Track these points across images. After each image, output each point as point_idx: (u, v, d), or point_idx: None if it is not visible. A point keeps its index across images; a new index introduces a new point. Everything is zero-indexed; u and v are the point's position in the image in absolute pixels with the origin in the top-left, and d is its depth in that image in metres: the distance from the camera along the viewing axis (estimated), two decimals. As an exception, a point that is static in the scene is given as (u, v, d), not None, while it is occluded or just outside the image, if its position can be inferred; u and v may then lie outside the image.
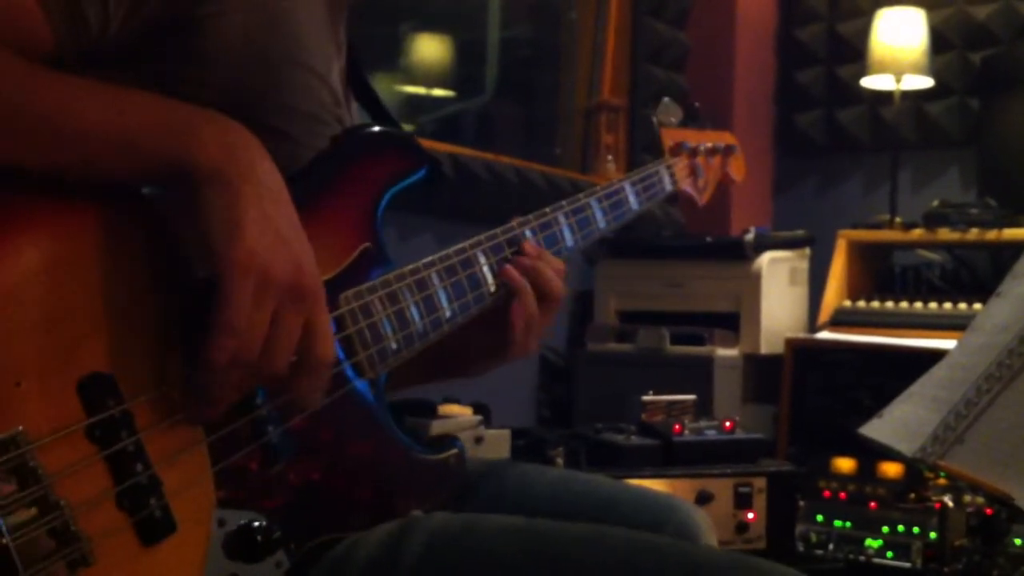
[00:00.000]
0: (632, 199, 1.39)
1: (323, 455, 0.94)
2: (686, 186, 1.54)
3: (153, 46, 0.91)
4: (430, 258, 1.06)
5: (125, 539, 0.79)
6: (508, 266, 1.12)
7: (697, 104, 1.63)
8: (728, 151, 1.65)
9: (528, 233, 1.18)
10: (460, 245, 1.10)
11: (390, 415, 1.01)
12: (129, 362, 0.81)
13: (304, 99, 1.00)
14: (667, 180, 1.49)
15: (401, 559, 0.92)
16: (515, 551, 0.93)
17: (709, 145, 1.61)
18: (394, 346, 1.00)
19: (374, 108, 1.18)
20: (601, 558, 0.92)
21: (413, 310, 1.02)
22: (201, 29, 0.92)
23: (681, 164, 1.53)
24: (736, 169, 1.67)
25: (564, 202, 1.27)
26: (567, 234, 1.24)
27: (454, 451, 1.07)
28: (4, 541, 0.71)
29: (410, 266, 1.04)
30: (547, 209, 1.23)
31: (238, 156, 0.84)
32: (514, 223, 1.17)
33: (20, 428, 0.73)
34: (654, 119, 1.57)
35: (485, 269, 1.11)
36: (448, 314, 1.06)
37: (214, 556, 0.84)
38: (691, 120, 1.60)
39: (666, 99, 1.60)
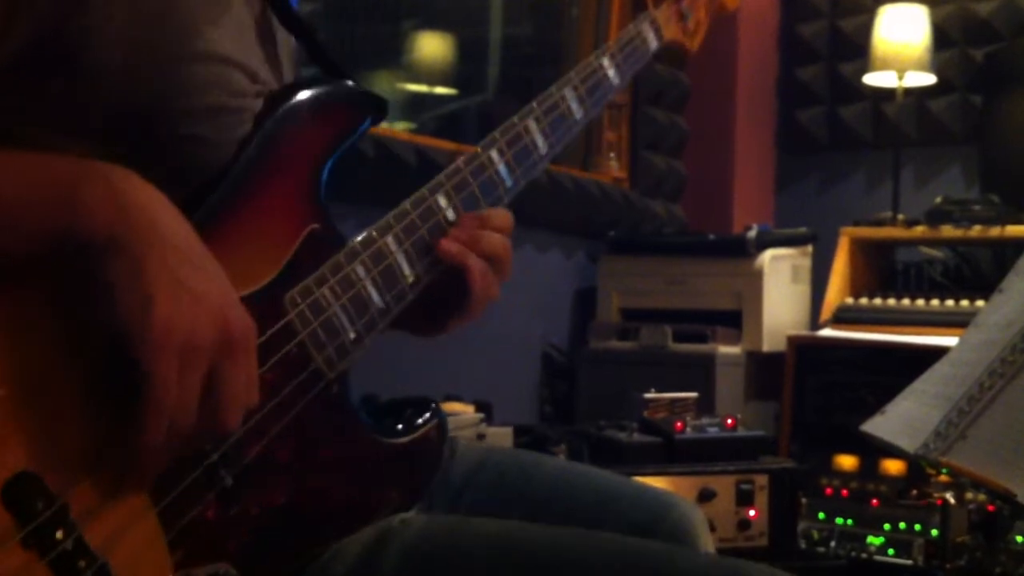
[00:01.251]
0: (612, 74, 1.22)
1: (286, 479, 0.87)
2: (673, 34, 1.35)
3: (35, 65, 0.82)
4: (385, 220, 0.95)
5: None
6: (444, 242, 0.99)
7: None
8: None
9: (495, 155, 1.06)
10: (418, 193, 0.98)
11: (354, 409, 0.94)
12: (53, 452, 0.74)
13: (213, 94, 0.89)
14: (652, 37, 1.30)
15: (378, 570, 0.90)
16: (493, 558, 0.91)
17: None
18: (352, 336, 0.91)
19: (313, 53, 1.04)
20: (582, 565, 0.91)
21: (371, 288, 0.92)
22: (81, 42, 0.82)
23: (666, 13, 1.33)
24: None
25: (534, 103, 1.11)
26: (539, 141, 1.10)
27: (433, 424, 0.99)
28: None
29: (361, 236, 0.93)
30: (515, 119, 1.09)
31: (133, 216, 0.74)
32: (478, 149, 1.05)
33: None
34: None
35: (450, 213, 1.00)
36: (412, 279, 0.96)
37: None
38: None
39: None
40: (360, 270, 0.92)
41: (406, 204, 0.97)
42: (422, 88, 3.06)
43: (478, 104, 3.26)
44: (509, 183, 1.07)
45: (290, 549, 0.88)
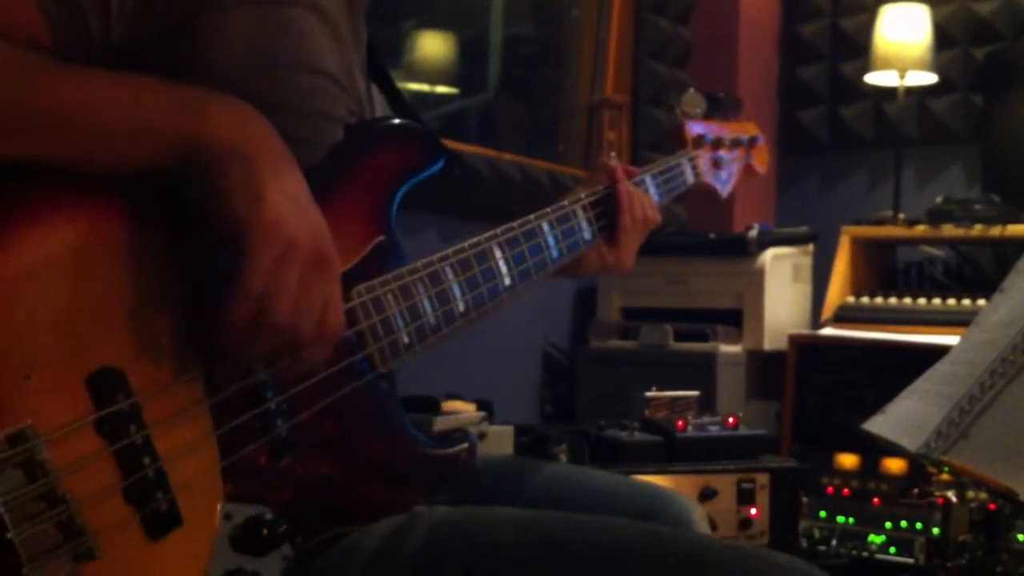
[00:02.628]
0: (653, 192, 1.39)
1: (332, 449, 0.94)
2: (708, 179, 1.51)
3: (154, 55, 0.90)
4: (444, 252, 1.05)
5: (131, 532, 0.79)
6: (619, 170, 1.29)
7: (722, 94, 1.59)
8: (752, 142, 1.61)
9: (545, 226, 1.18)
10: (475, 239, 1.09)
11: (398, 409, 1.01)
12: (140, 356, 0.81)
13: (314, 101, 0.99)
14: (689, 173, 1.47)
15: (403, 550, 0.93)
16: (516, 541, 0.94)
17: (732, 136, 1.57)
18: (406, 340, 1.00)
19: (393, 99, 1.18)
20: (603, 548, 0.92)
21: (426, 304, 1.02)
22: (203, 38, 0.91)
23: (703, 156, 1.51)
24: (759, 160, 1.64)
25: (583, 194, 1.26)
26: (584, 226, 1.24)
27: (465, 445, 1.07)
28: (9, 535, 0.71)
29: (423, 260, 1.03)
30: (565, 202, 1.23)
31: (252, 131, 0.85)
32: (531, 216, 1.17)
33: (29, 422, 0.73)
34: (678, 110, 1.53)
35: (501, 263, 1.11)
36: (462, 308, 1.05)
37: (220, 549, 0.85)
38: (715, 110, 1.56)
39: (691, 90, 1.56)
40: (419, 286, 1.02)
41: (464, 244, 1.08)
42: (423, 87, 3.06)
43: (479, 104, 3.26)
44: (555, 254, 1.20)
45: (324, 519, 0.94)
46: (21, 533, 0.72)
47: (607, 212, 1.30)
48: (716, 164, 1.53)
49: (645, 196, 1.35)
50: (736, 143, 1.58)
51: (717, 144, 1.54)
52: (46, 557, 0.73)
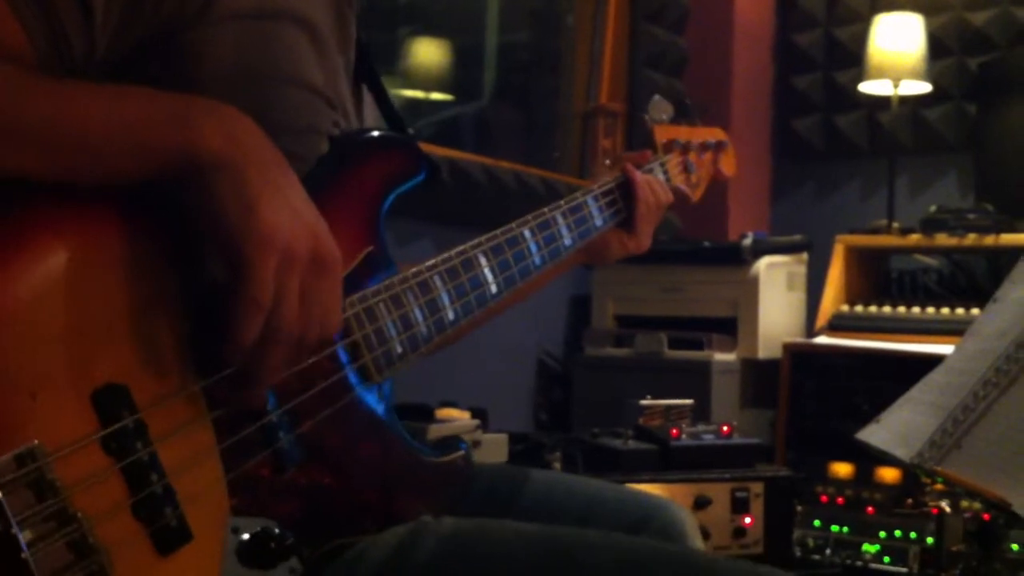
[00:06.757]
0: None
1: (333, 460, 0.94)
2: (679, 183, 1.53)
3: (140, 71, 0.90)
4: (432, 260, 1.06)
5: (142, 549, 0.78)
6: (628, 163, 1.37)
7: (688, 100, 1.61)
8: (719, 147, 1.63)
9: (527, 233, 1.18)
10: (461, 247, 1.10)
11: (395, 418, 1.02)
12: (143, 371, 0.80)
13: (300, 115, 0.99)
14: (661, 177, 1.49)
15: (412, 561, 0.93)
16: (526, 555, 0.94)
17: (700, 141, 1.59)
18: (399, 349, 1.00)
19: (381, 104, 1.18)
20: (613, 564, 0.93)
21: (417, 313, 1.02)
22: (190, 54, 0.91)
23: (674, 161, 1.53)
24: (727, 165, 1.65)
25: (562, 201, 1.28)
26: (564, 232, 1.26)
27: (460, 453, 1.07)
28: (23, 556, 0.70)
29: (412, 269, 1.04)
30: (545, 209, 1.24)
31: (240, 140, 0.83)
32: (512, 224, 1.18)
33: (36, 442, 0.73)
34: (646, 116, 1.56)
35: (486, 270, 1.12)
36: (451, 316, 1.06)
37: (229, 564, 0.84)
38: (682, 116, 1.59)
39: (657, 96, 1.58)
40: (409, 296, 1.02)
41: (451, 252, 1.08)
42: (419, 94, 3.06)
43: (474, 111, 3.26)
44: (538, 261, 1.21)
45: (329, 529, 0.94)
46: (35, 552, 0.71)
47: (618, 200, 1.37)
48: (686, 168, 1.56)
49: (655, 179, 1.43)
50: (704, 147, 1.60)
51: (685, 149, 1.56)
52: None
